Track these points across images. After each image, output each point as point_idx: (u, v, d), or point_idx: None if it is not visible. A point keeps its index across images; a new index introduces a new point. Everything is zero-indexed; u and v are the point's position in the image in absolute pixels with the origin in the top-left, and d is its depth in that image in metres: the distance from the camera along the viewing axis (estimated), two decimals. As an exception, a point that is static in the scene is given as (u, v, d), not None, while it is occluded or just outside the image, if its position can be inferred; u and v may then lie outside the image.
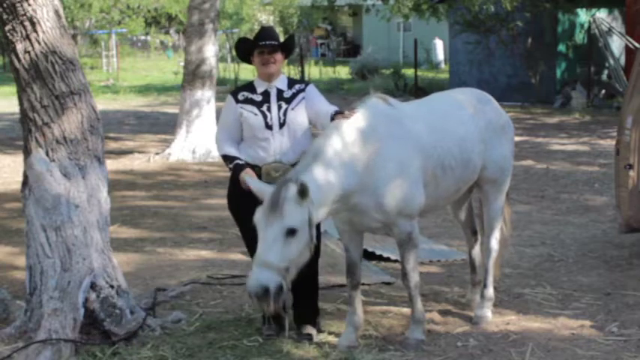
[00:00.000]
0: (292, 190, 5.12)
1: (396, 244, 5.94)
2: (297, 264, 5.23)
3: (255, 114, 5.94)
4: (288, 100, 5.98)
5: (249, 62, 6.10)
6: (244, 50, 6.09)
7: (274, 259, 5.06)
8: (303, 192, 5.10)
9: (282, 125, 5.93)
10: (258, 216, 5.15)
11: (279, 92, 6.01)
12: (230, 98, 6.08)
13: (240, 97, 6.03)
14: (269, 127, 5.93)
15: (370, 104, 5.78)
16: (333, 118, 5.65)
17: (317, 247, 6.19)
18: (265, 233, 5.11)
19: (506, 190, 6.69)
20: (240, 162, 5.89)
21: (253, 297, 5.07)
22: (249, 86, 6.10)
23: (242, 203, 5.92)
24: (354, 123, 5.60)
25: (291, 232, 5.11)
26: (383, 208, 5.62)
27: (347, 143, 5.50)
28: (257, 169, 5.91)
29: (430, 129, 5.96)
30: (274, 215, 5.08)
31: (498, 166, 6.46)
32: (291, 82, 6.10)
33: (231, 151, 5.96)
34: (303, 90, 6.03)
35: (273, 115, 5.94)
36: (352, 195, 5.52)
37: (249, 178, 5.55)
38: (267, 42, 5.95)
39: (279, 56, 6.00)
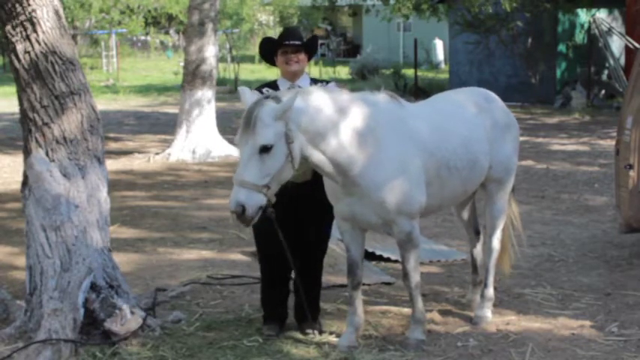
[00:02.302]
0: (267, 106, 5.14)
1: (397, 244, 5.94)
2: (279, 180, 5.26)
3: None
4: None
5: (272, 63, 6.17)
6: (268, 50, 6.15)
7: (250, 177, 5.11)
8: (277, 103, 5.13)
9: None
10: (237, 135, 5.19)
11: None
12: (254, 91, 6.13)
13: (264, 91, 6.09)
14: None
15: (376, 97, 5.80)
16: None
17: (323, 245, 6.21)
18: (242, 152, 5.17)
19: (511, 189, 6.69)
20: None
21: (233, 215, 5.12)
22: (272, 84, 6.18)
23: None
24: (358, 106, 5.61)
25: (265, 149, 5.13)
26: (381, 204, 5.61)
27: (338, 104, 5.51)
28: None
29: (434, 129, 5.95)
30: (248, 133, 5.13)
31: (503, 165, 6.45)
32: (314, 82, 6.15)
33: None
34: None
35: None
36: (348, 172, 5.50)
37: (245, 90, 5.51)
38: (291, 41, 6.02)
39: (302, 56, 6.07)
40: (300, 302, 6.16)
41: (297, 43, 6.03)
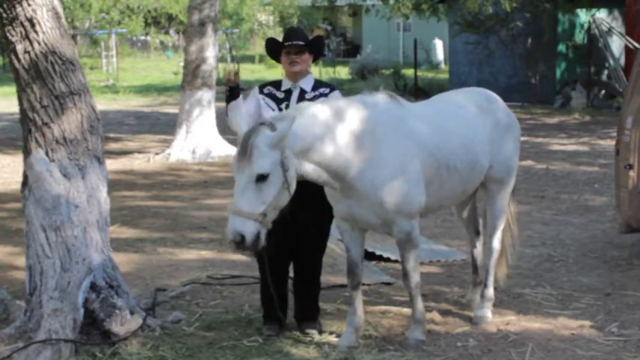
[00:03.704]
0: (262, 134, 5.12)
1: (397, 244, 5.94)
2: (276, 206, 5.25)
3: (273, 109, 6.02)
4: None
5: (279, 62, 6.19)
6: (273, 50, 6.17)
7: (246, 207, 5.10)
8: (272, 130, 5.11)
9: None
10: (233, 161, 5.18)
11: (302, 93, 6.06)
12: (256, 88, 6.22)
13: (265, 90, 6.14)
14: None
15: (375, 98, 5.79)
16: None
17: (322, 244, 6.21)
18: (238, 181, 5.15)
19: (511, 190, 6.69)
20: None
21: (231, 243, 5.12)
22: (276, 83, 6.20)
23: None
24: (356, 108, 5.59)
25: (261, 178, 5.12)
26: (380, 204, 5.61)
27: (335, 114, 5.49)
28: None
29: (434, 128, 5.95)
30: (244, 161, 5.11)
31: (504, 165, 6.45)
32: (318, 84, 6.15)
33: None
34: (325, 95, 6.06)
35: None
36: (345, 176, 5.49)
37: (237, 117, 5.47)
38: (294, 42, 6.02)
39: (305, 56, 6.06)
40: (300, 302, 6.16)
41: (299, 43, 6.03)
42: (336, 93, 6.11)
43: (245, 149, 5.11)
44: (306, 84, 6.09)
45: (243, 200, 5.10)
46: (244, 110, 5.91)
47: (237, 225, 5.10)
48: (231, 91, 5.88)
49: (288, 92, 6.08)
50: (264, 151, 5.12)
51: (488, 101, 6.52)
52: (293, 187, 5.31)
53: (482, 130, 6.27)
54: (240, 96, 5.95)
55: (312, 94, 6.06)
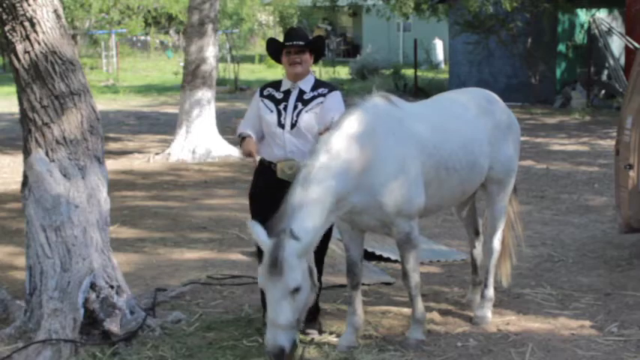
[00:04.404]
0: (290, 247, 5.08)
1: (396, 245, 5.94)
2: (305, 309, 5.28)
3: (272, 111, 6.04)
4: (306, 102, 6.03)
5: (280, 62, 6.19)
6: (274, 51, 6.18)
7: (285, 320, 5.09)
8: (297, 240, 5.10)
9: (293, 126, 5.98)
10: (262, 278, 5.15)
11: (301, 93, 6.06)
12: (257, 90, 6.26)
13: (265, 92, 6.16)
14: (281, 125, 6.00)
15: (371, 104, 5.77)
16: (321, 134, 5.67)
17: (324, 246, 6.20)
18: (271, 294, 5.11)
19: (512, 190, 6.68)
20: (246, 134, 6.09)
21: (272, 357, 5.10)
22: (276, 83, 6.21)
23: (261, 200, 6.00)
24: (351, 126, 5.54)
25: (295, 290, 5.12)
26: (382, 208, 5.61)
27: (337, 155, 5.41)
28: (273, 166, 6.01)
29: (433, 129, 5.95)
30: (276, 276, 5.08)
31: (504, 166, 6.45)
32: (317, 85, 6.13)
33: (245, 131, 6.12)
34: (324, 95, 6.05)
35: (287, 115, 6.00)
36: (349, 195, 5.50)
37: (255, 226, 5.30)
38: (294, 42, 6.02)
39: (306, 57, 6.06)
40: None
41: (300, 43, 6.03)
42: (336, 93, 6.09)
43: (275, 264, 5.07)
44: (306, 84, 6.09)
45: (281, 314, 5.09)
46: (248, 121, 6.11)
47: (277, 339, 5.08)
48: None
49: (287, 93, 6.09)
50: (294, 263, 5.10)
51: (488, 102, 6.51)
52: (317, 287, 5.41)
53: (482, 131, 6.26)
54: (253, 136, 6.09)
55: (311, 94, 6.05)
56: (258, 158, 6.05)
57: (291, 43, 6.03)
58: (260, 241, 5.19)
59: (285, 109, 6.01)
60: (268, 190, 5.90)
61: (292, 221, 5.16)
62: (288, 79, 6.13)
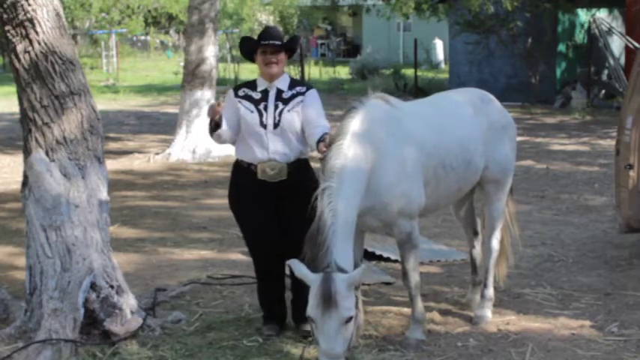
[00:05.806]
0: (341, 281, 5.11)
1: (397, 244, 5.94)
2: (353, 335, 5.29)
3: (252, 111, 5.98)
4: (286, 102, 5.98)
5: (253, 61, 6.11)
6: (247, 49, 6.10)
7: (341, 349, 5.11)
8: (345, 273, 5.15)
9: (276, 125, 5.94)
10: (313, 311, 5.14)
11: (279, 92, 6.02)
12: (230, 92, 6.14)
13: (241, 92, 6.07)
14: (264, 125, 5.95)
15: (367, 107, 5.74)
16: (317, 146, 5.62)
17: None
18: (326, 326, 5.11)
19: (509, 190, 6.69)
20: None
21: None
22: (251, 84, 6.13)
23: (243, 202, 6.00)
24: (356, 135, 5.51)
25: (349, 319, 5.15)
26: (386, 209, 5.62)
27: (357, 169, 5.42)
28: (253, 167, 5.97)
29: (431, 128, 5.96)
30: (331, 309, 5.09)
31: (501, 166, 6.46)
32: (293, 83, 6.08)
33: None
34: (302, 93, 6.01)
35: (269, 115, 5.95)
36: (362, 202, 5.52)
37: (298, 264, 5.31)
38: (270, 42, 5.94)
39: (281, 56, 5.99)
40: (298, 303, 6.15)
41: (276, 43, 5.95)
42: (313, 91, 6.06)
43: (329, 299, 5.09)
44: (282, 83, 6.04)
45: (338, 344, 5.10)
46: (224, 127, 5.96)
47: None
48: (214, 122, 5.90)
49: (265, 92, 6.01)
50: (347, 294, 5.12)
51: (482, 102, 6.51)
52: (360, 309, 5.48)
53: (478, 130, 6.27)
54: (224, 126, 5.94)
55: (290, 92, 6.00)
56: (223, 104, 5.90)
57: (267, 42, 5.95)
58: (307, 278, 5.19)
59: (265, 108, 5.96)
60: (248, 190, 5.96)
61: (333, 250, 5.20)
62: (264, 79, 6.05)
